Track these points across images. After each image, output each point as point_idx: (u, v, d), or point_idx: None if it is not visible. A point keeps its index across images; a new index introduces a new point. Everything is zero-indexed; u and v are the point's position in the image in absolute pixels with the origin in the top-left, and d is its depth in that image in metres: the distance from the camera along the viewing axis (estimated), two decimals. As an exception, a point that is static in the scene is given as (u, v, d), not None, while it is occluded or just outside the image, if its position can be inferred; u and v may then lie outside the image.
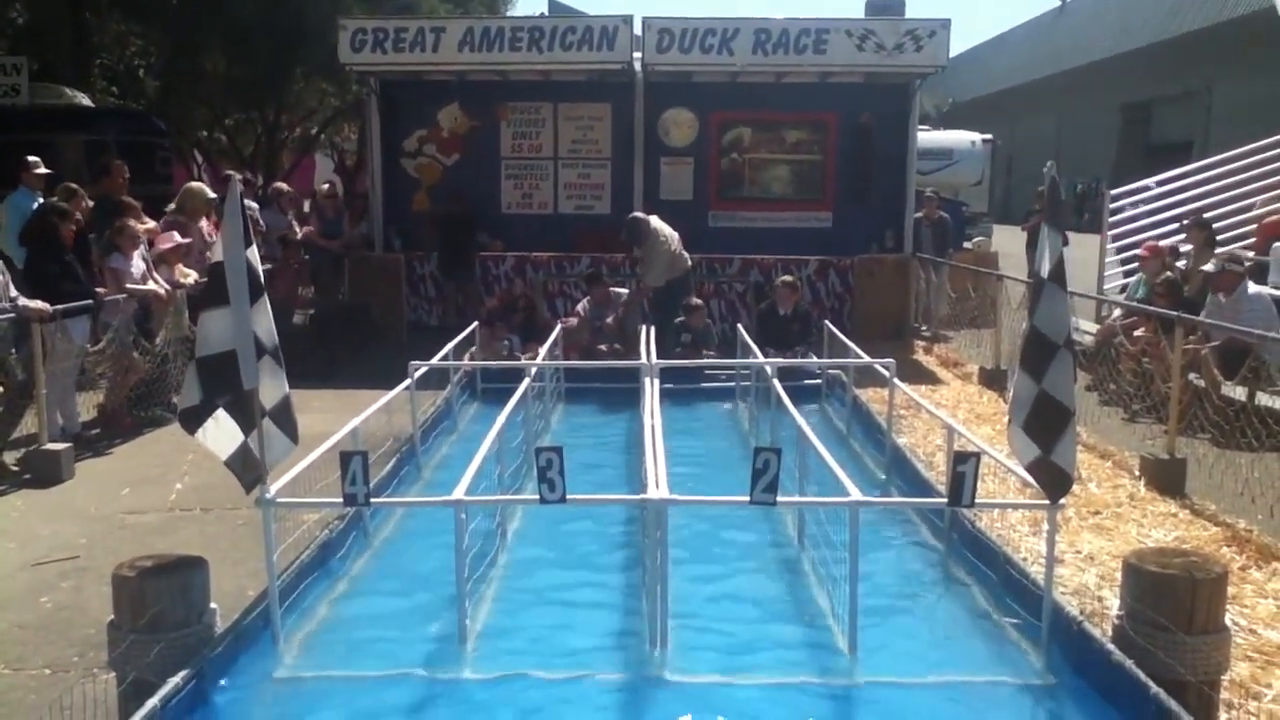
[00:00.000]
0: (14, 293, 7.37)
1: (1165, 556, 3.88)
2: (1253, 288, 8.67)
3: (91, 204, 9.37)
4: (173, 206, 10.06)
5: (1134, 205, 13.78)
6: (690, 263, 11.07)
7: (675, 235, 10.90)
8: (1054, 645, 4.09)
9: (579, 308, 10.83)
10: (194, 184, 10.63)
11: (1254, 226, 11.95)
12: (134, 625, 3.66)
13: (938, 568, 5.29)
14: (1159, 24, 36.34)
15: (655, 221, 10.88)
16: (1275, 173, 12.76)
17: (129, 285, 8.41)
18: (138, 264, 8.60)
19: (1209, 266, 9.26)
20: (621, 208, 13.22)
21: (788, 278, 10.95)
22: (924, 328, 13.40)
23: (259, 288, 3.84)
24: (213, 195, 10.37)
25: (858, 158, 13.16)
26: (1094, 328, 10.56)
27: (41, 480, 6.99)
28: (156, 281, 8.82)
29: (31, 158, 9.82)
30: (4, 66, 15.70)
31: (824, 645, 4.36)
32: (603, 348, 10.05)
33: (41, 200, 9.27)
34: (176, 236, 9.44)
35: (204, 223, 10.18)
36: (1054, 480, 3.96)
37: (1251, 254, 10.50)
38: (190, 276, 9.39)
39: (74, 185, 9.32)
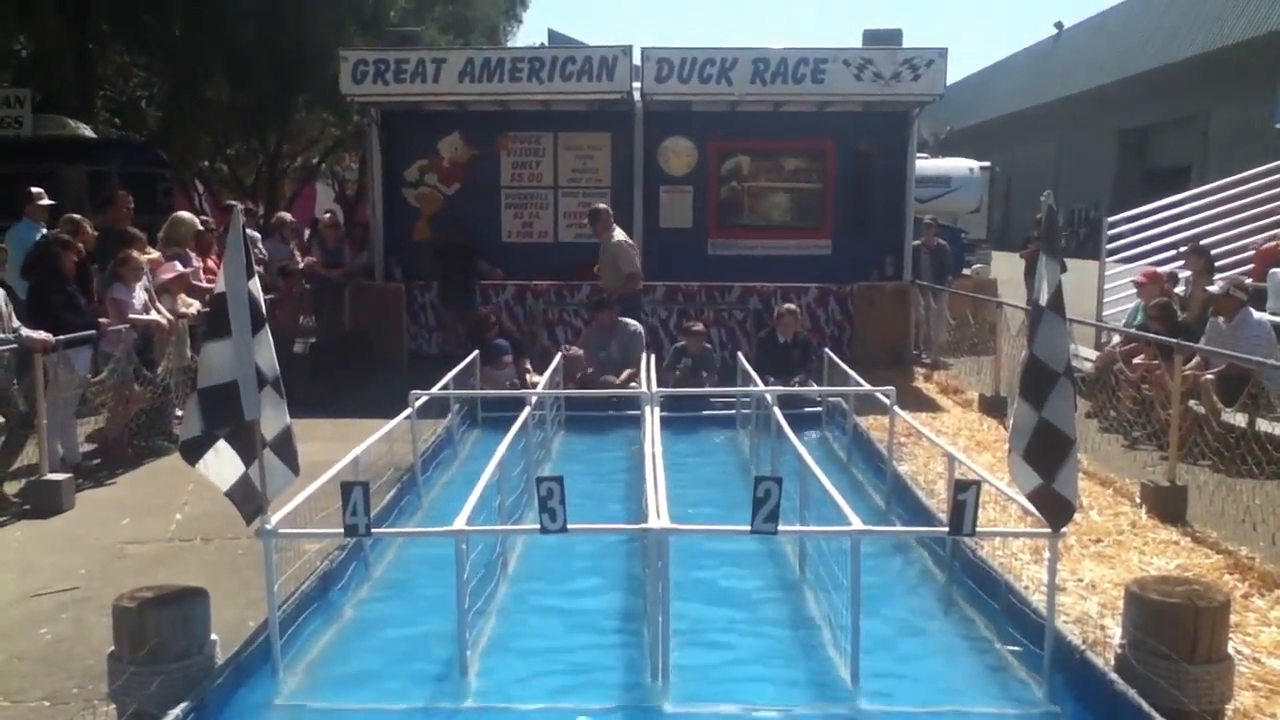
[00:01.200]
0: (16, 323, 7.39)
1: (1167, 584, 3.89)
2: (1255, 315, 8.68)
3: (95, 234, 9.40)
4: (161, 236, 10.09)
5: (1133, 232, 13.83)
6: (641, 286, 11.14)
7: (636, 248, 11.11)
8: (1056, 674, 4.07)
9: (585, 332, 10.74)
10: (182, 214, 10.67)
11: (1252, 253, 12.00)
12: (134, 656, 3.66)
13: (939, 596, 5.27)
14: (1157, 50, 36.57)
15: (620, 231, 11.04)
16: (1273, 199, 12.82)
17: (131, 315, 8.44)
18: (139, 294, 8.62)
19: (1215, 288, 9.25)
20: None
21: (790, 305, 10.97)
22: (924, 355, 13.42)
23: (261, 318, 3.85)
24: (200, 227, 10.42)
25: (856, 185, 13.22)
26: (1093, 354, 10.57)
27: (41, 510, 6.98)
28: (159, 311, 8.85)
29: (35, 189, 9.87)
30: (8, 98, 15.80)
31: (826, 675, 4.34)
32: (609, 377, 9.95)
33: (45, 231, 9.31)
34: (179, 266, 9.48)
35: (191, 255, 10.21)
36: (1056, 509, 3.96)
37: (1249, 280, 10.54)
38: (193, 306, 9.42)
39: (77, 216, 9.36)
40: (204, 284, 10.03)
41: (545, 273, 12.82)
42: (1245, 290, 8.98)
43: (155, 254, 9.49)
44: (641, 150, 13.12)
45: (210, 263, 10.54)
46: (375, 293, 12.92)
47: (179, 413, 8.56)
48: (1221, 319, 8.66)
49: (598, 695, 4.13)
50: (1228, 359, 7.68)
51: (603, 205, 11.33)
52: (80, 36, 18.52)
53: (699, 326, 10.66)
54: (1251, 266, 11.68)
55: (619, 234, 11.04)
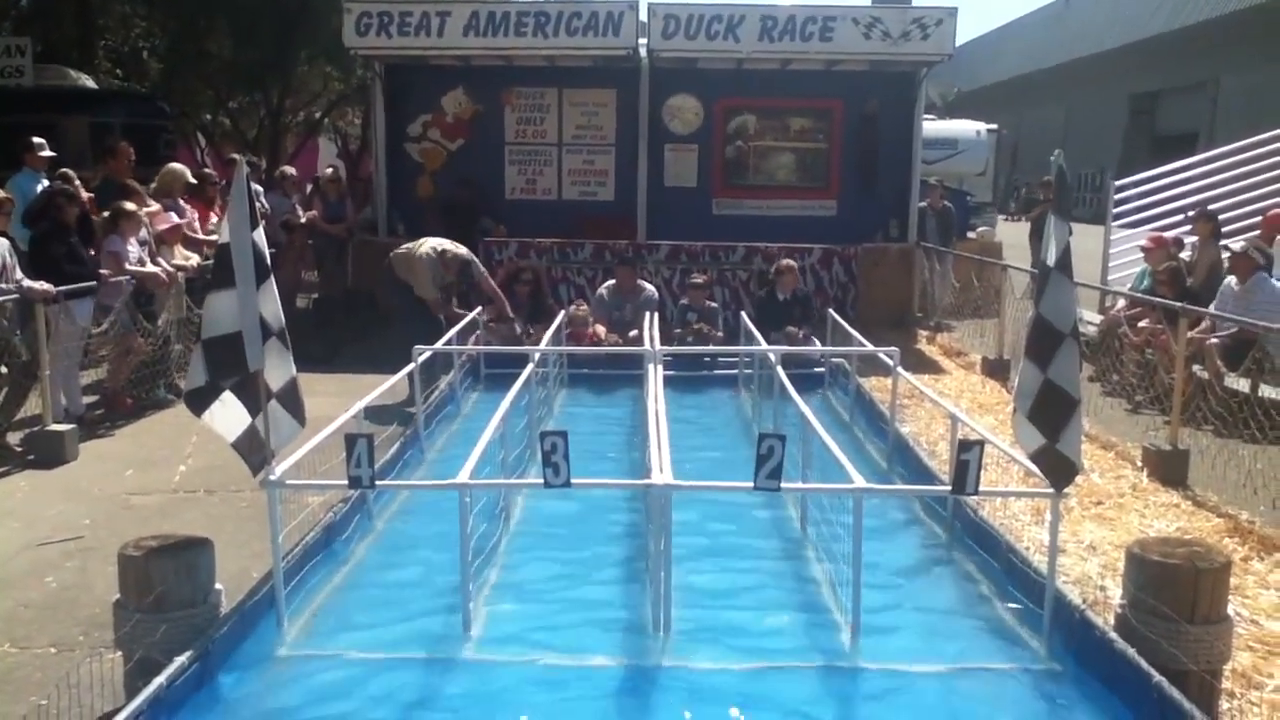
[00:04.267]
0: (19, 274, 7.38)
1: (1168, 546, 3.89)
2: (1273, 281, 8.62)
3: (92, 194, 9.36)
4: (153, 186, 10.03)
5: (1139, 196, 13.77)
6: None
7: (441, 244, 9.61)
8: (1056, 633, 4.10)
9: (602, 290, 10.60)
10: (173, 165, 10.60)
11: (1260, 219, 11.93)
12: (140, 605, 3.68)
13: (941, 555, 5.29)
14: (1167, 15, 36.26)
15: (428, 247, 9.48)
16: (1280, 165, 12.75)
17: (127, 267, 8.40)
18: (135, 247, 8.58)
19: (1237, 246, 9.12)
20: (626, 194, 13.26)
21: (788, 261, 10.91)
22: (929, 319, 13.39)
23: (265, 270, 3.82)
24: (192, 179, 10.36)
25: (863, 146, 13.15)
26: (1098, 318, 10.55)
27: (45, 461, 7.01)
28: (158, 264, 8.82)
29: (36, 139, 9.81)
30: (8, 48, 15.65)
31: (827, 631, 4.37)
32: (615, 336, 9.91)
33: (46, 182, 9.27)
34: (174, 217, 9.43)
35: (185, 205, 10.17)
36: (1059, 469, 3.96)
37: (1238, 246, 10.49)
38: (192, 259, 9.39)
39: (70, 173, 9.32)
40: (199, 235, 9.99)
41: (549, 230, 12.77)
42: (1266, 254, 8.91)
43: (155, 206, 9.44)
44: (647, 107, 13.04)
45: (213, 214, 10.49)
46: (378, 248, 12.86)
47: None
48: (1235, 279, 8.60)
49: (599, 648, 4.15)
50: (1237, 324, 7.65)
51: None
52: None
53: (701, 279, 10.60)
54: (1259, 233, 11.62)
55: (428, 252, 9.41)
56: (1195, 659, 3.60)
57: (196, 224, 10.15)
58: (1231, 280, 8.67)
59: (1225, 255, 9.58)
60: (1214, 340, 8.07)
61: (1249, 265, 8.55)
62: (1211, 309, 8.44)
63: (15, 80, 15.29)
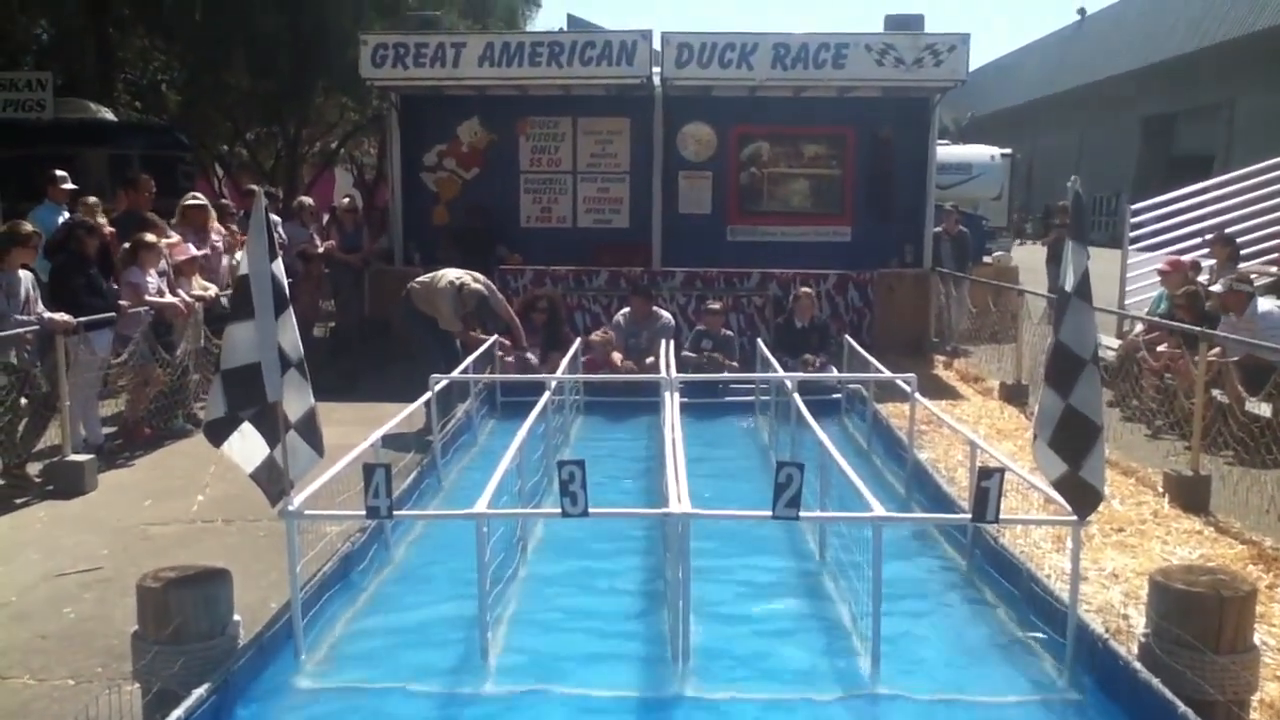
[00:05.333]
0: (40, 307, 7.44)
1: (1192, 574, 3.85)
2: (1263, 305, 8.61)
3: (111, 224, 9.45)
4: (175, 220, 10.12)
5: (1156, 220, 13.73)
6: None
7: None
8: (1079, 663, 4.05)
9: (618, 317, 10.59)
10: (194, 197, 10.70)
11: (1277, 241, 11.89)
12: (158, 636, 3.67)
13: (961, 584, 5.25)
14: (1181, 37, 36.24)
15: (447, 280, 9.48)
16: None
17: (146, 298, 8.46)
18: (154, 278, 8.64)
19: (1217, 287, 9.20)
20: (640, 221, 13.30)
21: (805, 289, 10.91)
22: (946, 344, 13.34)
23: (284, 300, 3.84)
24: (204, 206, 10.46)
25: (877, 172, 13.17)
26: (1116, 343, 10.50)
27: (64, 491, 7.04)
28: (176, 294, 8.88)
29: (59, 172, 9.92)
30: (30, 82, 15.88)
31: (846, 660, 4.33)
32: (631, 364, 9.89)
33: (67, 214, 9.35)
34: (191, 249, 9.51)
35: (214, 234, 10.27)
36: (1083, 496, 3.93)
37: (1275, 269, 10.44)
38: (210, 290, 9.45)
39: (94, 201, 9.42)
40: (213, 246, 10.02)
41: (564, 258, 12.80)
42: (1250, 283, 8.91)
43: (175, 237, 9.52)
44: (661, 135, 13.10)
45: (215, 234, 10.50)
46: (394, 277, 12.92)
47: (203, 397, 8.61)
48: (1233, 315, 8.58)
49: (617, 678, 4.13)
50: (1248, 348, 7.60)
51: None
52: (101, 20, 18.58)
53: (717, 305, 10.59)
54: (1277, 255, 11.57)
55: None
56: (1222, 689, 3.55)
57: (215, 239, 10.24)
58: (1230, 316, 8.63)
59: (1252, 277, 9.54)
60: (1233, 359, 8.00)
61: (1240, 299, 8.54)
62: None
63: (36, 114, 15.48)
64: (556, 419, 7.81)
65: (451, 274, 9.53)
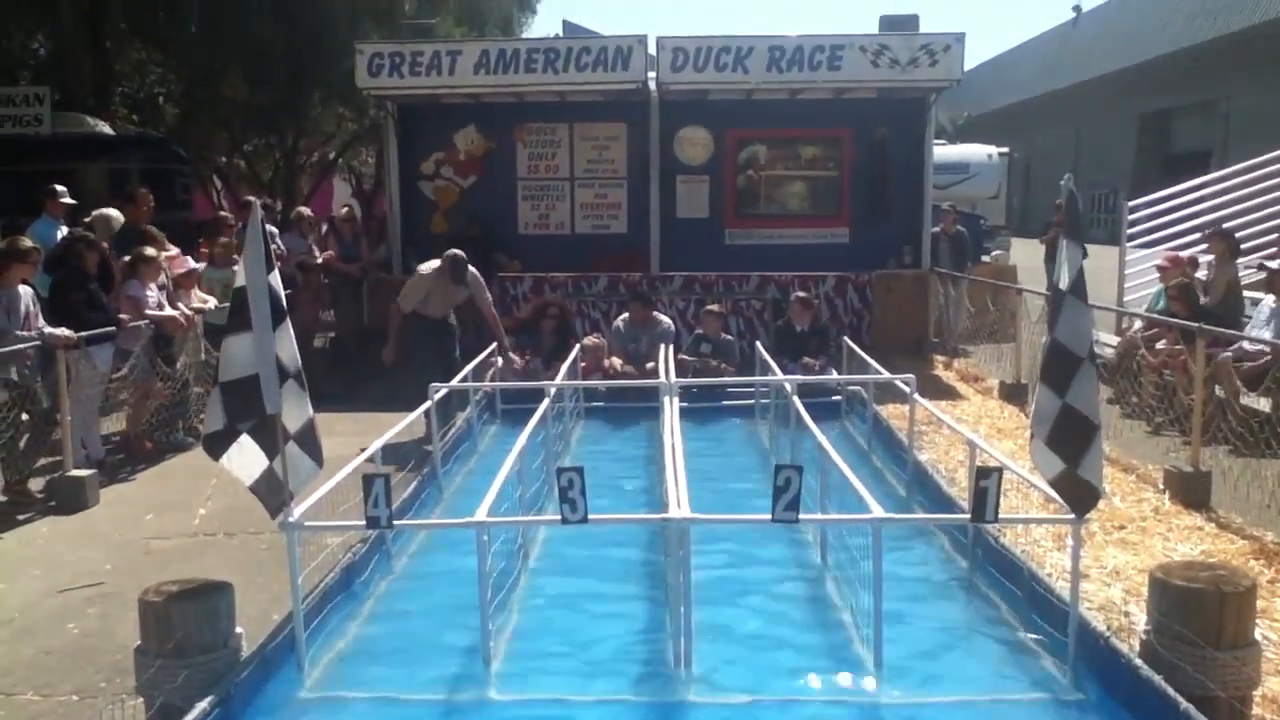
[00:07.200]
0: (41, 322, 7.45)
1: (1192, 570, 3.85)
2: None
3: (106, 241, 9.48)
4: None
5: (1153, 216, 13.71)
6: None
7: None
8: (1080, 661, 4.06)
9: (618, 322, 10.56)
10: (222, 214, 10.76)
11: (1274, 237, 11.88)
12: (161, 650, 3.67)
13: (962, 584, 5.25)
14: (1176, 33, 36.21)
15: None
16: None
17: (146, 312, 8.48)
18: (154, 291, 8.66)
19: (1275, 264, 9.03)
20: (638, 226, 13.33)
21: (801, 294, 10.92)
22: (945, 344, 13.34)
23: (281, 312, 3.85)
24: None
25: (874, 173, 13.19)
26: (1115, 340, 10.50)
27: (66, 506, 7.04)
28: (176, 307, 8.89)
29: (58, 187, 9.93)
30: (27, 97, 15.92)
31: (849, 663, 4.33)
32: (630, 369, 9.89)
33: (65, 229, 9.37)
34: (190, 262, 9.52)
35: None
36: (1081, 495, 3.93)
37: (1277, 264, 10.42)
38: (210, 302, 9.47)
39: (111, 211, 9.45)
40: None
41: (563, 264, 12.82)
42: None
43: (174, 251, 9.54)
44: (657, 140, 13.13)
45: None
46: (393, 286, 12.91)
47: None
48: (1274, 297, 8.51)
49: (620, 684, 4.13)
50: (1256, 343, 7.58)
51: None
52: (97, 34, 18.62)
53: (716, 308, 10.59)
54: (1274, 250, 11.55)
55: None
56: (1223, 685, 3.55)
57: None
58: (1269, 299, 8.57)
59: (1250, 272, 9.46)
60: (1266, 357, 7.93)
61: None
62: (1248, 331, 8.35)
63: (34, 128, 15.51)
64: (557, 425, 7.82)
65: (434, 260, 9.49)
